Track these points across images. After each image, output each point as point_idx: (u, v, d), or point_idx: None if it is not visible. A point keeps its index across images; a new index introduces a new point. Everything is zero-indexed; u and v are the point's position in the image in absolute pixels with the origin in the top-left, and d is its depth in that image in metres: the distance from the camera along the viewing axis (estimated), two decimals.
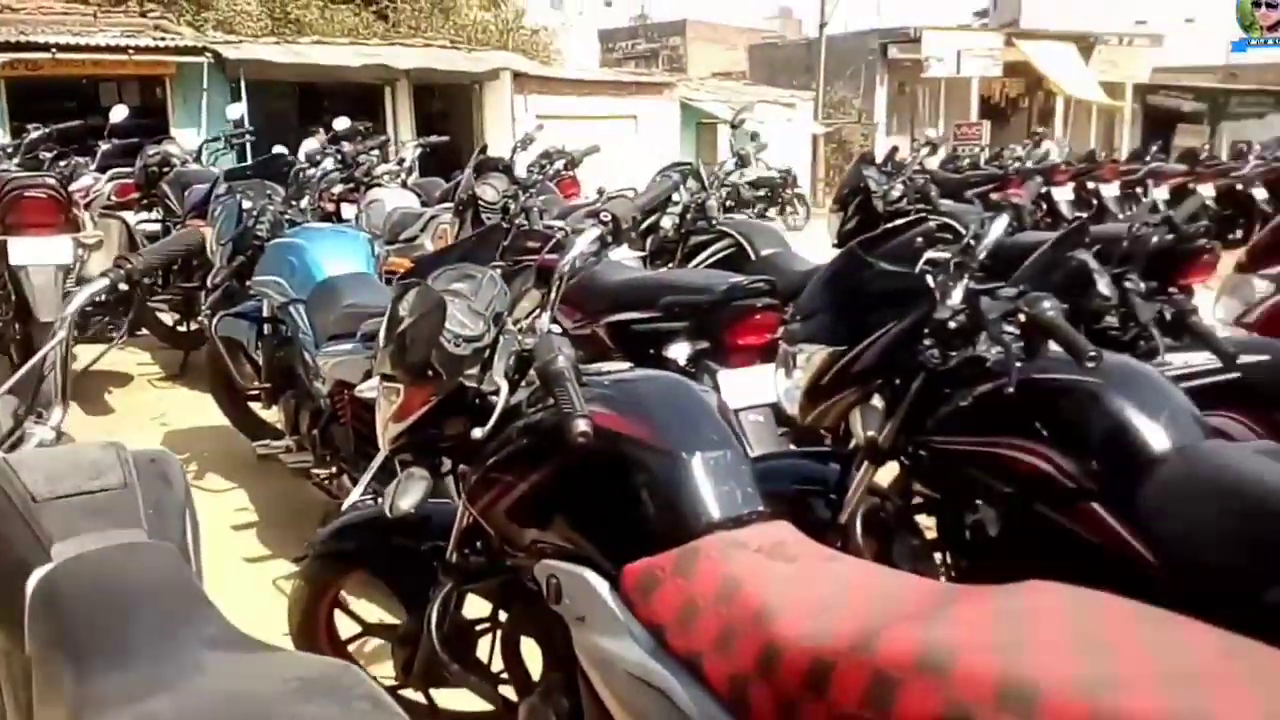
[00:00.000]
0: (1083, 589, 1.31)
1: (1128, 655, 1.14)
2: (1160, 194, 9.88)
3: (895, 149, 8.93)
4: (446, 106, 18.77)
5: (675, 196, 4.83)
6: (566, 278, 1.98)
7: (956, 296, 2.19)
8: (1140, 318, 2.57)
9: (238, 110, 8.09)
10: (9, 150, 6.91)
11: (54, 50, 14.00)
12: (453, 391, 1.86)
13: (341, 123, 7.49)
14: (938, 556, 2.40)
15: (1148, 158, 11.65)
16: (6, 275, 5.08)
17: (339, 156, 5.75)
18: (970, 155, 12.15)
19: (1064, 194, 9.73)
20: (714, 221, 4.92)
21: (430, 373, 1.83)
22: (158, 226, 6.47)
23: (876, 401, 2.28)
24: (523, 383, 1.87)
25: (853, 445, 2.41)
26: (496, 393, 1.84)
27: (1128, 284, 2.66)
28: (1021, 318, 2.05)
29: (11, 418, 1.73)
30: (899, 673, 1.20)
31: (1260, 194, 11.15)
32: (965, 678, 1.14)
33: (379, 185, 6.16)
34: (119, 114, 7.69)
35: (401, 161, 7.21)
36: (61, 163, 6.75)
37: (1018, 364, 2.05)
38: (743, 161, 5.42)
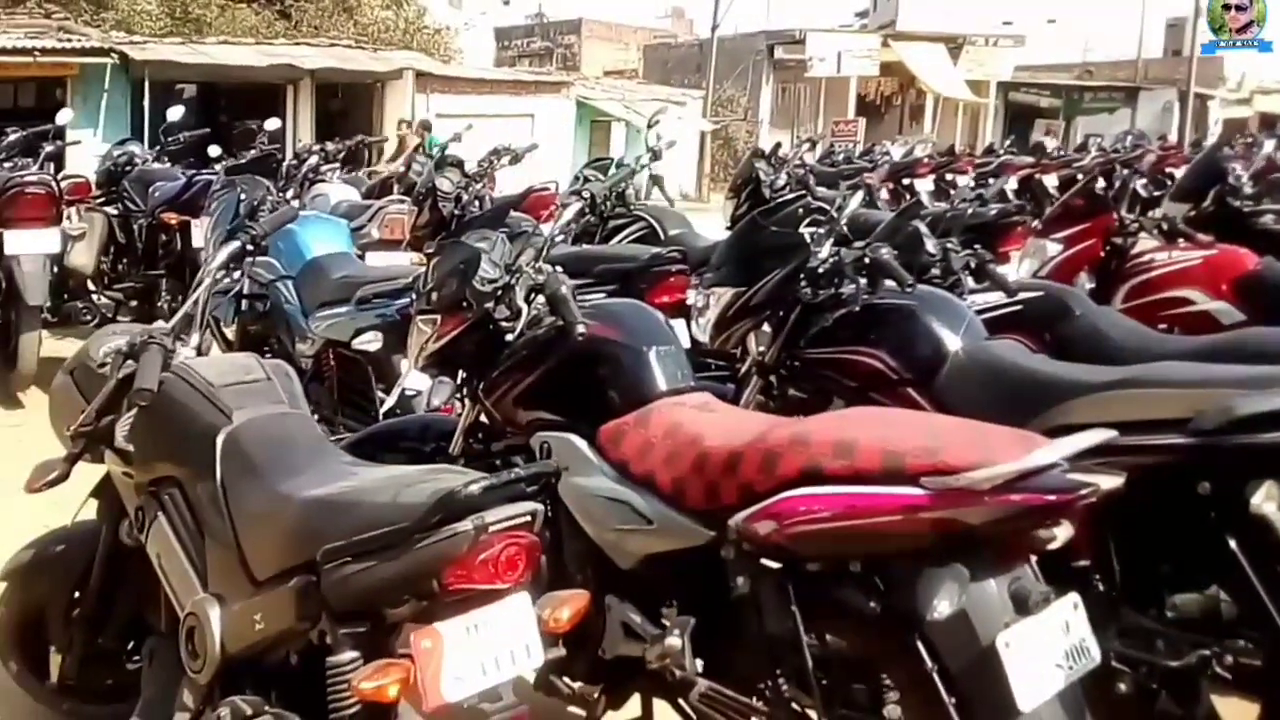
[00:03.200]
0: (888, 407, 2.24)
1: (904, 425, 2.08)
2: (1010, 184, 11.17)
3: (778, 145, 9.96)
4: (347, 104, 18.96)
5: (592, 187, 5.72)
6: (554, 239, 2.82)
7: (825, 250, 3.11)
8: (954, 267, 3.52)
9: (177, 112, 8.55)
10: None
11: None
12: (479, 317, 2.68)
13: (273, 123, 7.99)
14: None
15: (1000, 151, 12.97)
16: None
17: (324, 154, 6.42)
18: (845, 151, 13.28)
19: (925, 185, 11.00)
20: (630, 207, 5.83)
21: (464, 304, 2.66)
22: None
23: (766, 328, 3.19)
24: (532, 308, 2.67)
25: (745, 368, 3.32)
26: (517, 315, 2.64)
27: (948, 245, 3.61)
28: (867, 261, 2.99)
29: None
30: (780, 449, 2.07)
31: (1100, 184, 12.55)
32: (817, 444, 2.02)
33: (322, 180, 6.87)
34: (65, 117, 8.12)
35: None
36: (7, 164, 7.20)
37: (865, 295, 2.99)
38: (655, 156, 6.34)
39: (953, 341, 2.85)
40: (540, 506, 1.89)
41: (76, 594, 2.62)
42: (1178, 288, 3.92)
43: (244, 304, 4.79)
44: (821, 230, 3.09)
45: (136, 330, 2.38)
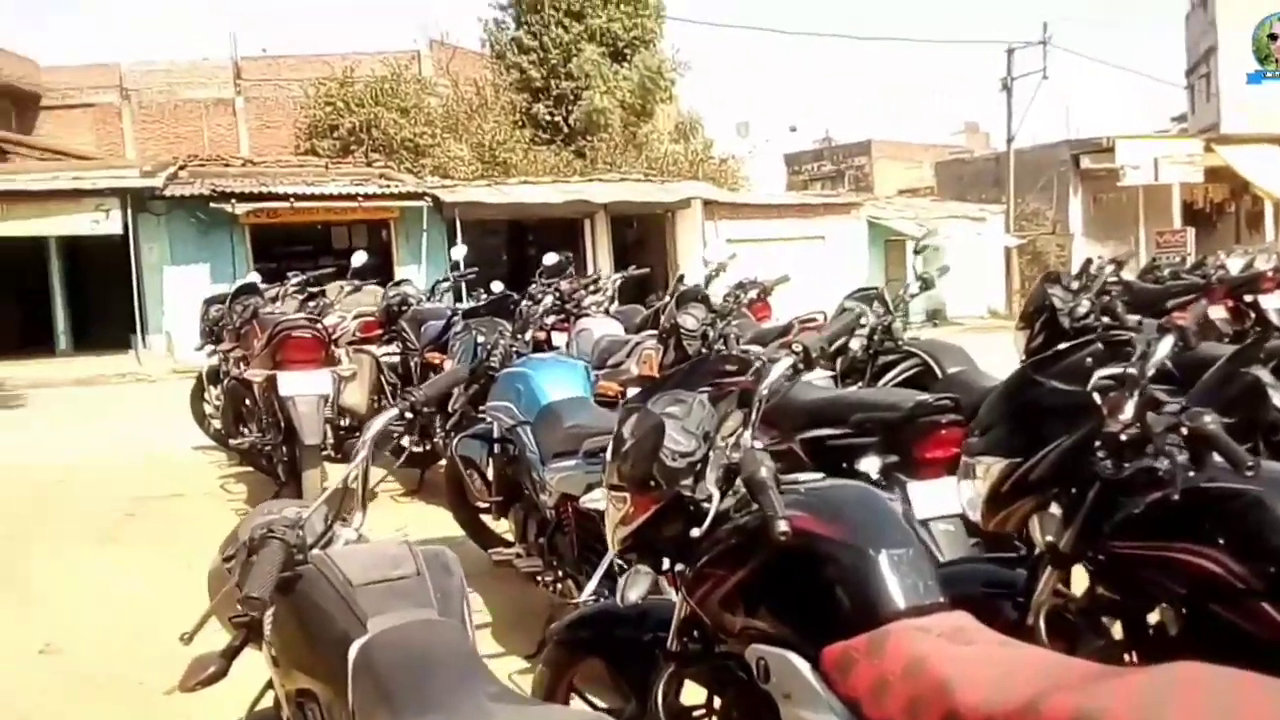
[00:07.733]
0: (1227, 668, 1.51)
1: (1249, 704, 1.35)
2: None
3: (1088, 262, 8.89)
4: (641, 234, 19.80)
5: (863, 319, 5.13)
6: (764, 401, 2.30)
7: (1128, 411, 2.38)
8: None
9: (461, 251, 8.91)
10: (268, 292, 7.92)
11: (292, 200, 15.64)
12: (671, 499, 2.21)
13: (550, 258, 8.04)
14: (1125, 658, 2.53)
15: None
16: (276, 404, 5.90)
17: (558, 294, 6.36)
18: (1171, 264, 11.84)
19: (1273, 302, 9.40)
20: (900, 342, 5.19)
21: (652, 483, 2.20)
22: (397, 359, 7.29)
23: (1054, 509, 2.47)
24: (730, 491, 2.20)
25: (1038, 551, 2.60)
26: (709, 500, 2.18)
27: None
28: (1184, 431, 2.23)
29: (323, 522, 2.20)
30: None
31: None
32: None
33: (586, 315, 6.74)
34: (359, 259, 8.66)
35: (604, 291, 7.77)
36: (311, 303, 7.65)
37: (1189, 473, 2.23)
38: (926, 284, 5.67)
39: None
40: None
41: None
42: None
43: (496, 447, 4.63)
44: (1120, 386, 2.36)
45: (278, 516, 2.10)
